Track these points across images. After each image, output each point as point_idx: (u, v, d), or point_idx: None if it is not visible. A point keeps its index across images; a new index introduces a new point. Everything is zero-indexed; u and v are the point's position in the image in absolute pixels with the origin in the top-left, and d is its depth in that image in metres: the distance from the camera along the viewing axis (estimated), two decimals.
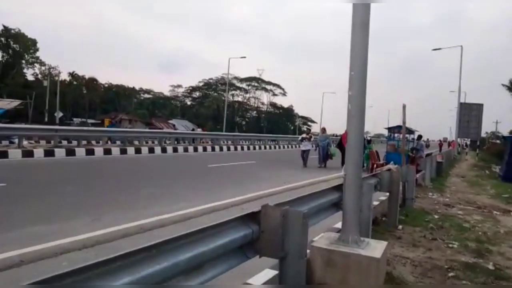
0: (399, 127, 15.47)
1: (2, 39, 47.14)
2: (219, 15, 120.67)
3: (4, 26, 46.60)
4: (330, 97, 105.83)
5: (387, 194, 6.38)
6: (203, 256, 2.14)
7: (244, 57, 35.52)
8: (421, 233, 5.89)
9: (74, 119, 47.69)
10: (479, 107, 27.98)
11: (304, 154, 15.16)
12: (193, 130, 30.70)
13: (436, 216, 7.24)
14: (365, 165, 16.12)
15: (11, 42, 47.72)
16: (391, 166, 7.36)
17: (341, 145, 16.90)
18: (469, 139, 36.60)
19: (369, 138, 17.23)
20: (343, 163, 16.66)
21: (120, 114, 52.68)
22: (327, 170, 14.05)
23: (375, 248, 3.64)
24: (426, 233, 5.82)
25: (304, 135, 16.43)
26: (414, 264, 4.35)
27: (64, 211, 5.71)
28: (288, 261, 2.62)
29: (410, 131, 15.07)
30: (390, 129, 15.85)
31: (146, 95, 79.62)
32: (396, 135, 15.81)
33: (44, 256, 3.79)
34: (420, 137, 15.89)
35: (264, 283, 2.95)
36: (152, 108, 72.78)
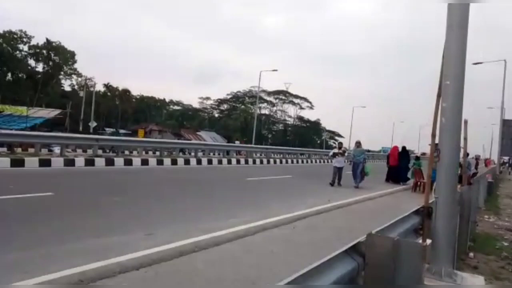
0: None
1: (44, 51, 49.41)
2: (248, 27, 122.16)
3: (47, 39, 48.93)
4: (359, 111, 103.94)
5: None
6: None
7: (276, 70, 35.47)
8: (497, 262, 5.33)
9: (106, 129, 49.02)
10: None
11: (338, 171, 13.05)
12: (227, 142, 30.61)
13: (505, 244, 6.61)
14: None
15: (52, 54, 49.94)
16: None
17: (388, 161, 16.06)
18: (507, 157, 34.71)
19: (418, 155, 16.45)
20: (387, 179, 15.79)
21: (150, 125, 53.79)
22: (360, 190, 12.27)
23: (474, 284, 3.19)
24: (503, 264, 5.25)
25: (336, 150, 14.13)
26: None
27: (116, 223, 5.55)
28: None
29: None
30: (436, 145, 14.96)
31: (176, 107, 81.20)
32: None
33: (103, 275, 3.56)
34: (467, 154, 14.92)
35: None
36: (181, 119, 74.00)
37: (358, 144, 14.25)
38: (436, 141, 3.84)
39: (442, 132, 3.39)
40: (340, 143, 15.47)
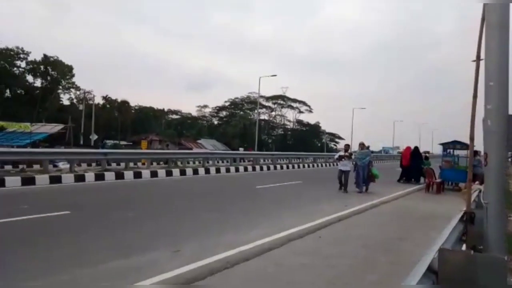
0: (454, 142, 14.62)
1: (42, 66, 49.35)
2: (243, 35, 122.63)
3: (44, 55, 48.92)
4: (358, 112, 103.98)
5: None
6: None
7: (275, 75, 35.51)
8: None
9: (107, 141, 48.82)
10: None
11: (343, 176, 12.26)
12: (232, 149, 30.45)
13: None
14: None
15: (50, 69, 49.88)
16: (479, 186, 6.67)
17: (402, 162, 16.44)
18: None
19: (426, 155, 16.45)
20: (400, 179, 15.96)
21: (150, 135, 53.60)
22: (372, 194, 11.82)
23: None
24: None
25: (342, 153, 13.09)
26: None
27: (139, 240, 5.40)
28: None
29: (467, 146, 14.18)
30: (445, 144, 14.96)
31: (174, 116, 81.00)
32: (450, 151, 14.90)
33: None
34: (476, 152, 14.89)
35: None
36: (180, 128, 73.82)
37: (362, 145, 13.11)
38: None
39: (488, 135, 3.26)
40: (347, 145, 14.30)
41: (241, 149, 31.49)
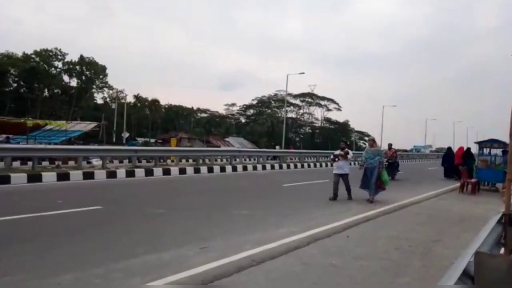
0: (491, 141, 13.96)
1: (77, 67, 51.49)
2: (273, 33, 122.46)
3: (80, 55, 51.07)
4: (389, 110, 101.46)
5: None
6: None
7: (303, 72, 35.09)
8: None
9: (138, 138, 50.23)
10: None
11: (341, 179, 9.89)
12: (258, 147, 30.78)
13: None
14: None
15: (85, 69, 51.95)
16: None
17: (452, 161, 17.69)
18: None
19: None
20: (451, 176, 17.06)
21: (180, 133, 54.66)
22: (404, 193, 10.94)
23: None
24: None
25: (337, 151, 10.36)
26: None
27: (167, 236, 5.50)
28: None
29: (505, 145, 13.51)
30: (480, 143, 14.31)
31: (203, 114, 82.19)
32: (486, 150, 14.25)
33: None
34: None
35: None
36: (208, 127, 74.83)
37: (372, 142, 10.76)
38: None
39: None
40: (344, 142, 10.88)
41: (277, 147, 32.01)
